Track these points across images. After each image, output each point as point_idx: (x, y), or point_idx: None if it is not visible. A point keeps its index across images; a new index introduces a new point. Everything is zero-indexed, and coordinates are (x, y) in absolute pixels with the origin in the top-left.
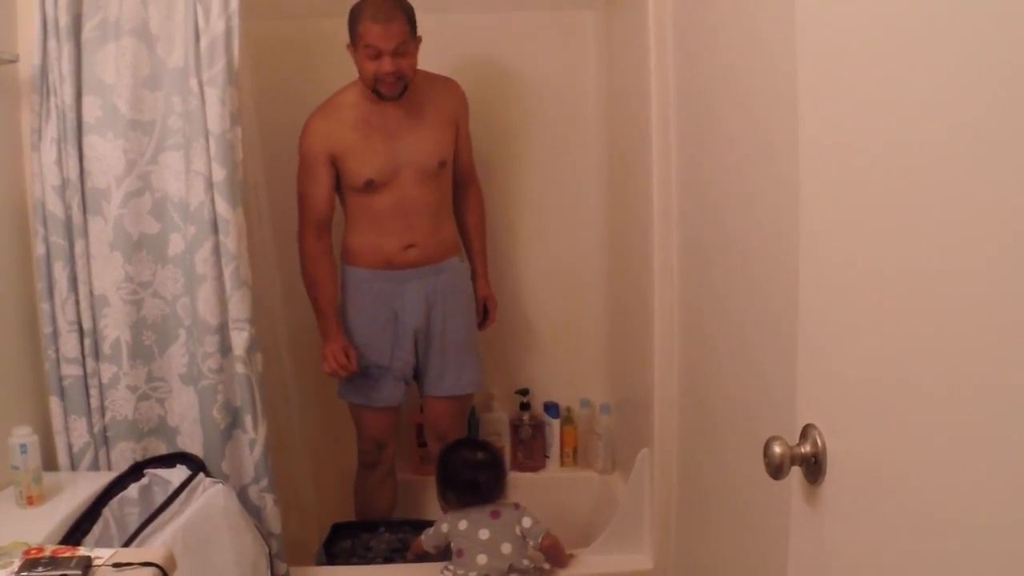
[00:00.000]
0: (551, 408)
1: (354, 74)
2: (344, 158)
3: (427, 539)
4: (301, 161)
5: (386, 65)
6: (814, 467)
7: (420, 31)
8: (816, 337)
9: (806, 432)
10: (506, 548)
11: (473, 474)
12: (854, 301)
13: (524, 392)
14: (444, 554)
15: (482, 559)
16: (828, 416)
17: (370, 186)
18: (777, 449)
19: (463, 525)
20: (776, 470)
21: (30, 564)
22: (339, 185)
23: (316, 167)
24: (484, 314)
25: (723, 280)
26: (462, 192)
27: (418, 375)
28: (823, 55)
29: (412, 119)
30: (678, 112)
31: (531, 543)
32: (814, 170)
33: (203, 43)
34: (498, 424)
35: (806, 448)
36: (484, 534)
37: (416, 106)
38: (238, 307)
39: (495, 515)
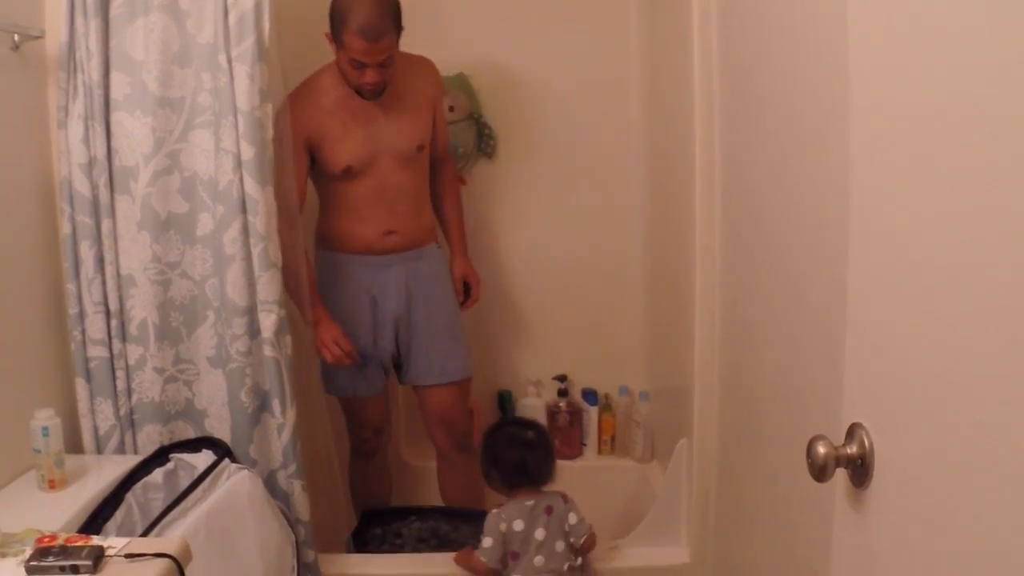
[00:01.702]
0: (589, 395)
1: None
2: (321, 145)
3: (486, 554)
4: (284, 148)
5: (370, 76)
6: (860, 470)
7: (459, 12)
8: (865, 331)
9: (852, 432)
10: (559, 546)
11: (521, 454)
12: (906, 294)
13: (562, 378)
14: None
15: (539, 560)
16: (876, 415)
17: (348, 173)
18: (821, 449)
19: (519, 526)
20: (820, 472)
21: (41, 553)
22: (312, 171)
23: (298, 154)
24: (466, 293)
25: (767, 268)
26: (437, 171)
27: (401, 364)
28: (876, 44)
29: (390, 103)
30: (722, 95)
31: (572, 540)
32: (867, 161)
33: (232, 18)
34: (535, 411)
35: (852, 449)
36: (540, 534)
37: (394, 90)
38: (267, 288)
39: (549, 511)
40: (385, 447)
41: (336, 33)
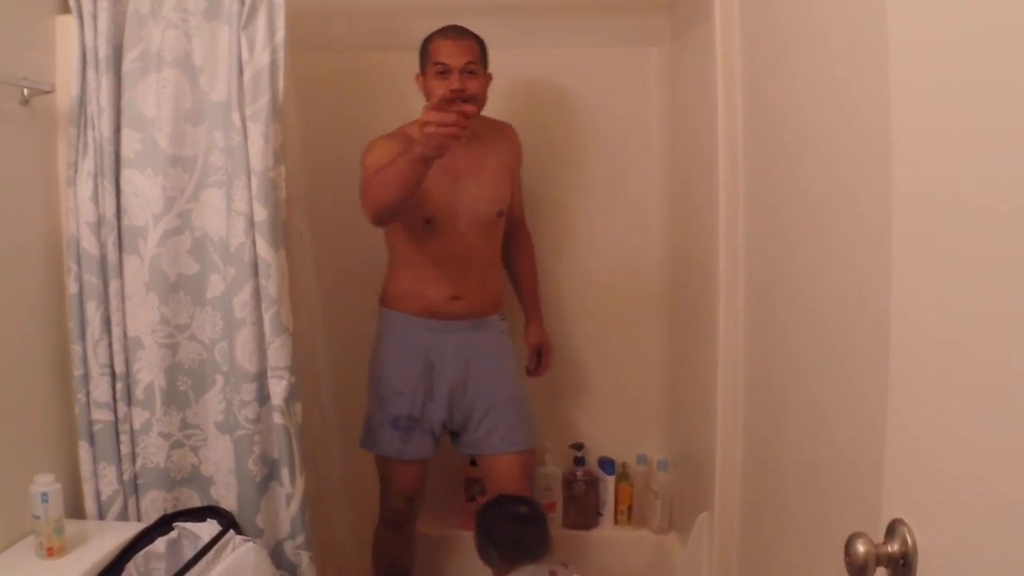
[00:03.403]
0: (606, 463)
1: (409, 111)
2: None
3: None
4: (366, 172)
5: (454, 82)
6: (902, 569)
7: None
8: (908, 418)
9: (894, 528)
10: None
11: (519, 530)
12: (955, 381)
13: (578, 447)
14: None
15: None
16: (920, 511)
17: (428, 225)
18: (861, 548)
19: None
20: (859, 572)
21: None
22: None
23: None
24: (537, 359)
25: (797, 339)
26: (512, 237)
27: (457, 432)
28: (924, 97)
29: (476, 163)
30: (747, 153)
31: None
32: (910, 230)
33: (247, 76)
34: (550, 479)
35: (894, 547)
36: None
37: (479, 151)
38: (278, 354)
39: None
40: (415, 518)
41: (423, 59)
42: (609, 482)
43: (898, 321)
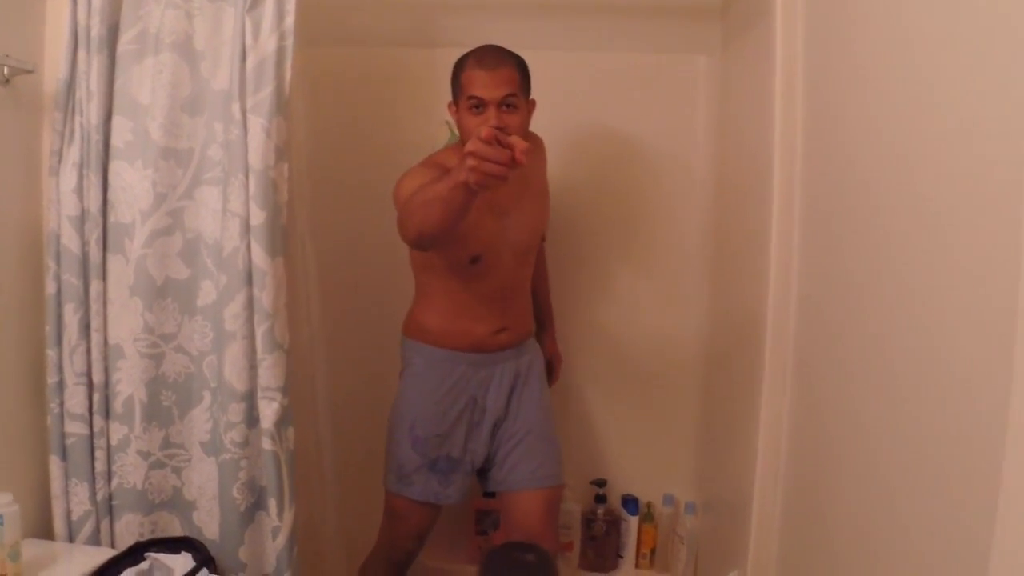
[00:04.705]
0: (630, 502)
1: (433, 115)
2: None
3: None
4: (403, 195)
5: (491, 119)
6: None
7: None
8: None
9: None
10: None
11: None
12: None
13: (600, 483)
14: None
15: None
16: None
17: (475, 263)
18: None
19: None
20: None
21: None
22: (421, 257)
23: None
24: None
25: (854, 383)
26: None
27: (488, 468)
28: None
29: (519, 190)
30: (805, 176)
31: None
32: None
33: (250, 63)
34: (569, 516)
35: None
36: None
37: (522, 175)
38: (269, 373)
39: None
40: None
41: (455, 88)
42: (632, 523)
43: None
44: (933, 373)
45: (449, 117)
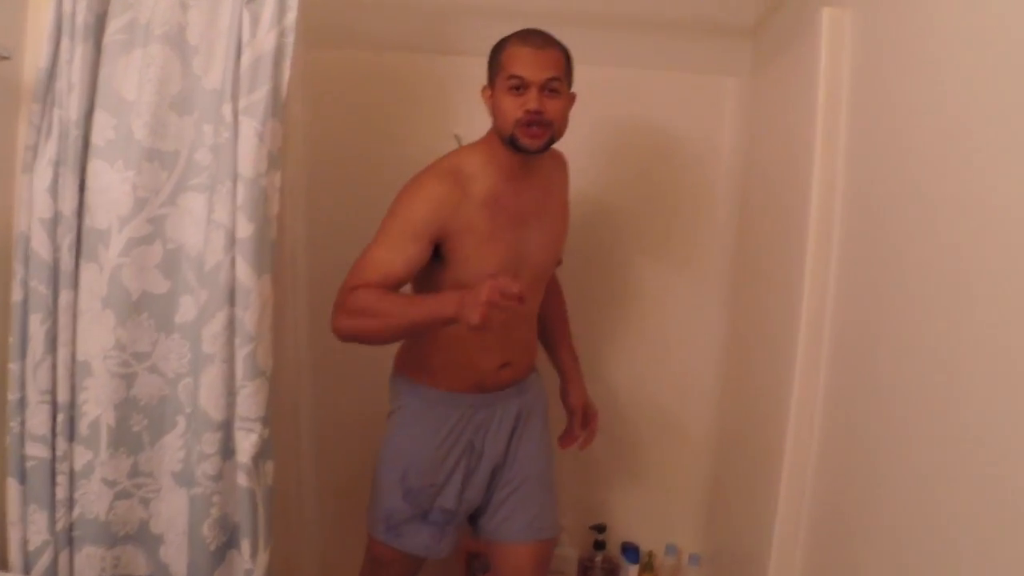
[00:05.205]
0: (630, 550)
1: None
2: (462, 242)
3: None
4: (391, 219)
5: (531, 102)
6: None
7: None
8: None
9: None
10: None
11: None
12: None
13: (600, 528)
14: None
15: None
16: None
17: None
18: None
19: None
20: None
21: None
22: (426, 279)
23: (410, 238)
24: (579, 425)
25: (892, 425)
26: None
27: (479, 514)
28: None
29: (542, 201)
30: (845, 205)
31: None
32: None
33: (245, 60)
34: (564, 563)
35: None
36: None
37: (545, 185)
38: (249, 402)
39: None
40: None
41: (493, 68)
42: (631, 572)
43: None
44: (979, 424)
45: (458, 131)
